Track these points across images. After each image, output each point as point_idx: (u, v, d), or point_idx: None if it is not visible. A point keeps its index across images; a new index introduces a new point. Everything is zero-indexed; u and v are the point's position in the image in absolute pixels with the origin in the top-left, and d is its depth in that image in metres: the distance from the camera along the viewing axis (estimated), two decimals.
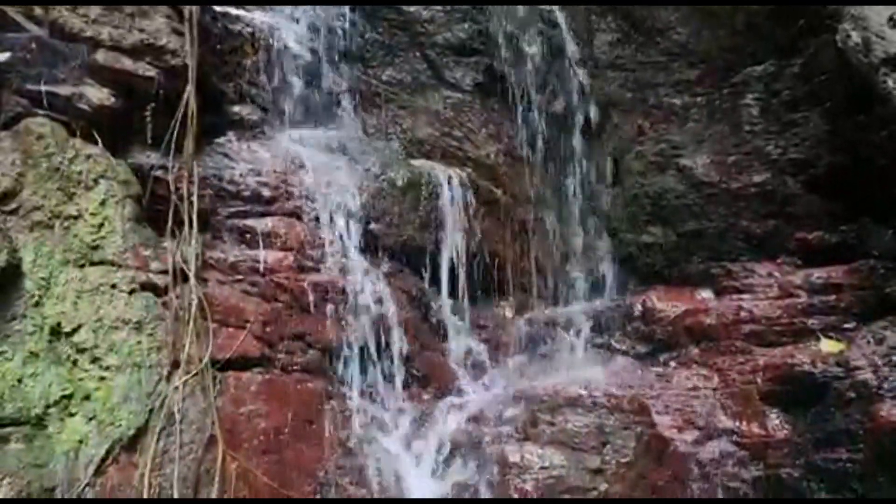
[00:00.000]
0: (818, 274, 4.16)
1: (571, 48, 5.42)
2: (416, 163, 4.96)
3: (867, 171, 4.05)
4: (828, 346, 3.89)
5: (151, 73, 4.08)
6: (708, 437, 3.95)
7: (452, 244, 4.71)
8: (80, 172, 3.81)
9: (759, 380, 4.00)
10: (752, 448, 3.88)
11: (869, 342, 3.73)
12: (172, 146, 4.08)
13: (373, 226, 4.50)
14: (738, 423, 3.96)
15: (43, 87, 3.84)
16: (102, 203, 3.82)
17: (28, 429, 3.29)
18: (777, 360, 3.99)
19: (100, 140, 3.94)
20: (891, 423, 3.43)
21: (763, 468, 3.82)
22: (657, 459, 3.76)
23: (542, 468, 3.67)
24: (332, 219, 4.39)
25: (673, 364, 4.37)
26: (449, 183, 4.83)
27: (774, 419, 3.92)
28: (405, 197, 4.65)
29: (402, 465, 3.89)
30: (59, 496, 3.22)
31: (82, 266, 3.68)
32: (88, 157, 3.86)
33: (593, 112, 5.34)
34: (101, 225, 3.78)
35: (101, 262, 3.73)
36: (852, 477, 3.58)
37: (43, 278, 3.56)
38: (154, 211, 4.04)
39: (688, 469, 3.81)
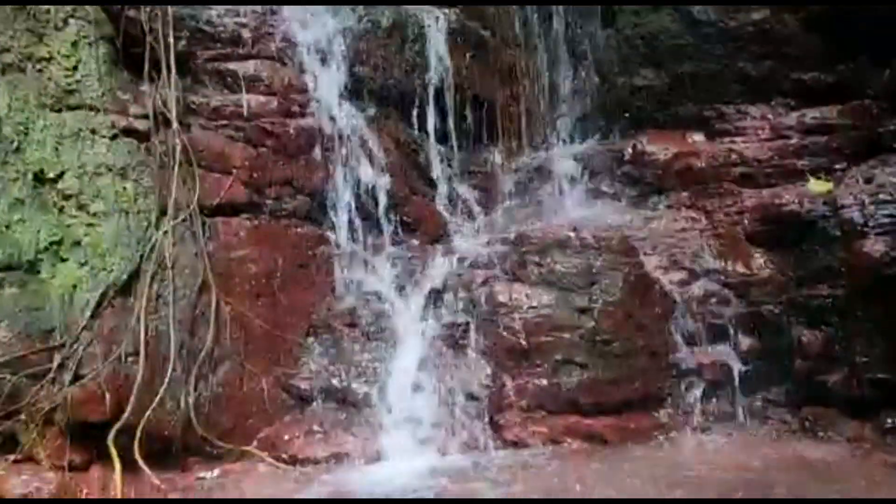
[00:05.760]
0: (812, 115, 4.12)
1: None
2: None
3: (868, 9, 3.91)
4: (816, 185, 3.90)
5: None
6: (694, 276, 4.04)
7: (440, 88, 4.58)
8: (47, 11, 3.63)
9: (745, 220, 4.05)
10: (736, 287, 3.98)
11: (858, 181, 3.73)
12: None
13: (358, 69, 4.36)
14: (723, 263, 4.04)
15: None
16: (74, 44, 3.67)
17: (21, 274, 3.31)
18: (764, 200, 4.01)
19: None
20: (872, 258, 3.50)
21: (745, 305, 3.94)
22: (644, 298, 3.84)
23: (530, 307, 3.75)
24: (315, 62, 4.25)
25: (661, 207, 4.39)
26: (436, 24, 4.64)
27: (759, 259, 3.99)
28: (390, 39, 4.48)
29: (392, 306, 3.97)
30: (57, 338, 3.28)
31: (59, 111, 3.58)
32: None
33: None
34: (75, 67, 3.65)
35: (79, 107, 3.63)
36: (831, 312, 3.69)
37: (20, 123, 3.47)
38: (130, 54, 3.87)
39: (673, 307, 3.91)
